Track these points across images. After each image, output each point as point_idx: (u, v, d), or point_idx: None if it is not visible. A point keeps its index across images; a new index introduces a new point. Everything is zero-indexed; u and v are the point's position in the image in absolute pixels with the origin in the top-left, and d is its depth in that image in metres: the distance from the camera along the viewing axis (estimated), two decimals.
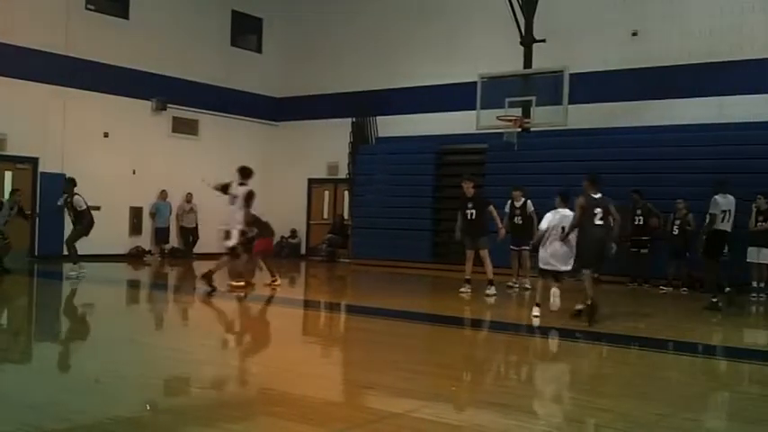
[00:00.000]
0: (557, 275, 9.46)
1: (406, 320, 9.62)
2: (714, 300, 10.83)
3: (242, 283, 12.17)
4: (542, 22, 17.30)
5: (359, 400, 5.57)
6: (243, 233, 11.76)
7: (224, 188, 11.97)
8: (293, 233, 21.71)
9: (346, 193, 21.20)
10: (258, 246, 12.51)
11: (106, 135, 18.48)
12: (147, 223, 19.51)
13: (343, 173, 21.20)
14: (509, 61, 17.38)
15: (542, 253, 9.56)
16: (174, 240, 19.80)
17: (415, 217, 18.37)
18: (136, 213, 19.32)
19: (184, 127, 20.44)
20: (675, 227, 13.89)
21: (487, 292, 12.02)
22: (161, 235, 19.41)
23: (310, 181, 22.21)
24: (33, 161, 17.38)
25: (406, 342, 8.26)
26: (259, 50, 22.54)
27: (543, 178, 15.01)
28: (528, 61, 17.49)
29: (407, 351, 7.71)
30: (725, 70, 15.81)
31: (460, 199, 12.48)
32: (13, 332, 8.78)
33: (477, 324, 10.35)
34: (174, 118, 20.14)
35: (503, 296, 12.21)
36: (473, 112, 16.90)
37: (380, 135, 20.63)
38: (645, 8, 17.02)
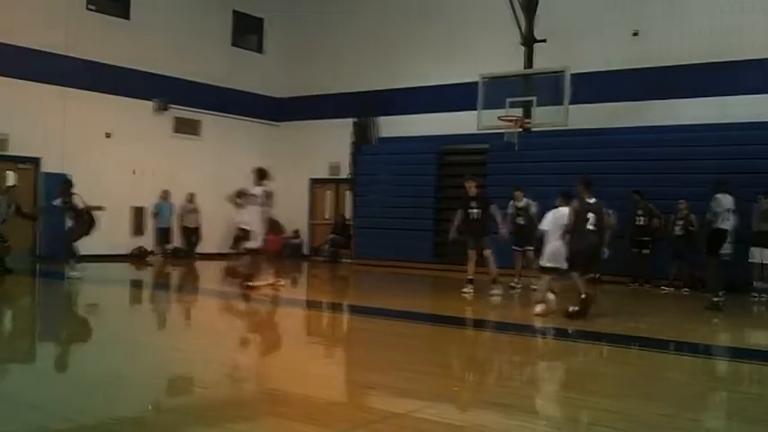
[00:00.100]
0: (558, 273, 9.50)
1: (408, 321, 9.64)
2: (715, 300, 10.85)
3: (270, 282, 12.36)
4: (543, 22, 17.32)
5: (361, 400, 5.58)
6: (245, 231, 11.90)
7: (239, 195, 12.19)
8: (296, 233, 21.74)
9: (348, 193, 21.20)
10: (271, 244, 12.63)
11: (108, 135, 18.50)
12: (149, 223, 19.53)
13: (344, 173, 21.21)
14: (510, 61, 17.38)
15: (545, 251, 9.62)
16: (176, 240, 19.82)
17: (417, 217, 18.40)
18: (138, 213, 19.33)
19: (186, 127, 20.45)
20: (677, 227, 13.89)
21: (492, 291, 12.04)
22: (163, 235, 19.40)
23: (312, 181, 22.25)
24: (35, 161, 17.39)
25: (409, 342, 8.26)
26: (260, 51, 22.55)
27: (544, 178, 15.02)
28: (529, 61, 17.52)
29: (410, 351, 7.71)
30: (727, 70, 15.78)
31: (463, 198, 12.45)
32: (14, 332, 8.79)
33: (479, 324, 10.35)
34: (176, 118, 20.15)
35: (505, 296, 12.20)
36: (474, 112, 16.93)
37: (382, 135, 20.64)
38: (645, 8, 17.00)
